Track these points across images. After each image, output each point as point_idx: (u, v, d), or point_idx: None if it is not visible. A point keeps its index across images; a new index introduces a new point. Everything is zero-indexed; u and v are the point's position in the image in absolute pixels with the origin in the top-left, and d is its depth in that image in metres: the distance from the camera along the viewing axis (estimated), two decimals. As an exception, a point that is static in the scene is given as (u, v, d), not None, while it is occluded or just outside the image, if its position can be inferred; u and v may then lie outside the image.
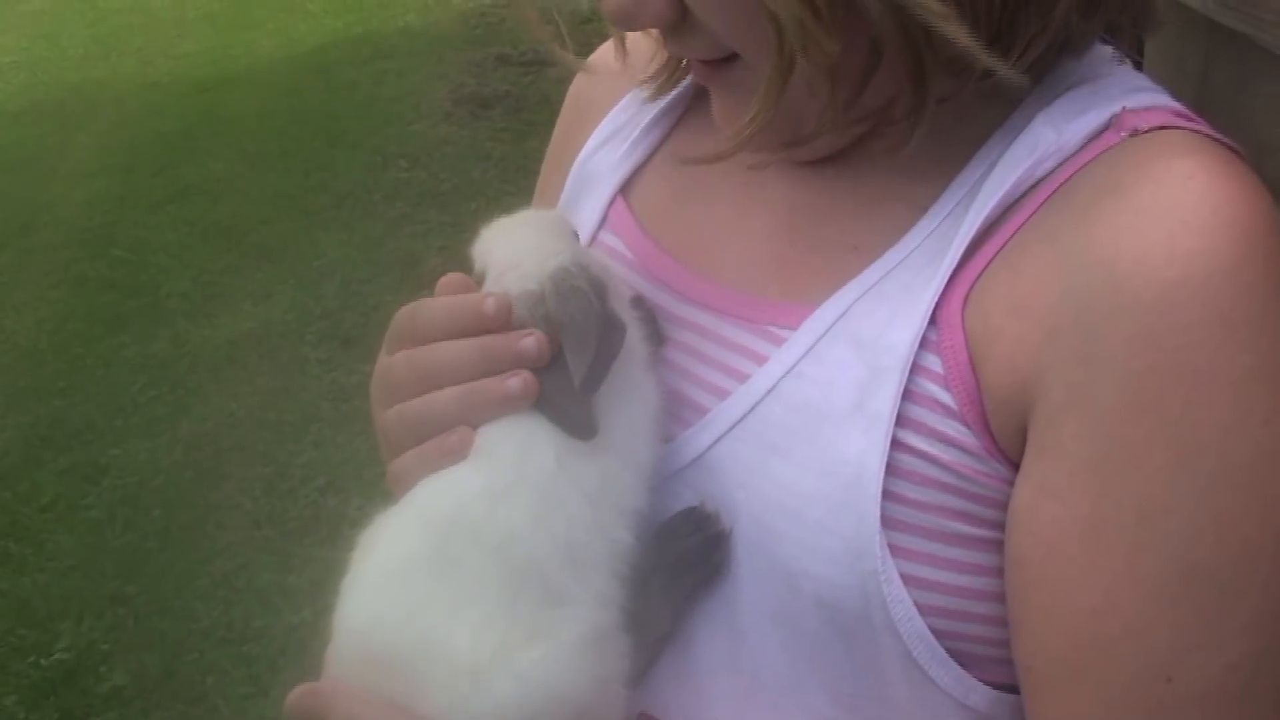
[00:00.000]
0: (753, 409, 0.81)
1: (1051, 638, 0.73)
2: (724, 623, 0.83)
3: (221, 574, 3.34)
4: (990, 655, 0.78)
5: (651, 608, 0.82)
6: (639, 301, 0.88)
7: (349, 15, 7.06)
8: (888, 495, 0.76)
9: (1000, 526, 0.75)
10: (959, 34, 0.71)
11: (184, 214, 5.17)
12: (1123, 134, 0.76)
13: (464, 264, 0.88)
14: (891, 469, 0.76)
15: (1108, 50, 0.83)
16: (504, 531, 0.78)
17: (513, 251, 0.85)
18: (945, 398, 0.76)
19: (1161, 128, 0.76)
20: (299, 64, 6.50)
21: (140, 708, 3.02)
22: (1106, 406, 0.71)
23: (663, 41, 0.86)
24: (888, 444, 0.76)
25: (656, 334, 0.87)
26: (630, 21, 0.81)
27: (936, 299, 0.77)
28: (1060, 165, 0.77)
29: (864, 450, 0.76)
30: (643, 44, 0.93)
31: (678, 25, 0.80)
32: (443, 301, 0.84)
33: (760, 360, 0.83)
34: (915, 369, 0.76)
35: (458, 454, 0.80)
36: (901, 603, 0.76)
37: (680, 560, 0.82)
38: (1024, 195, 0.77)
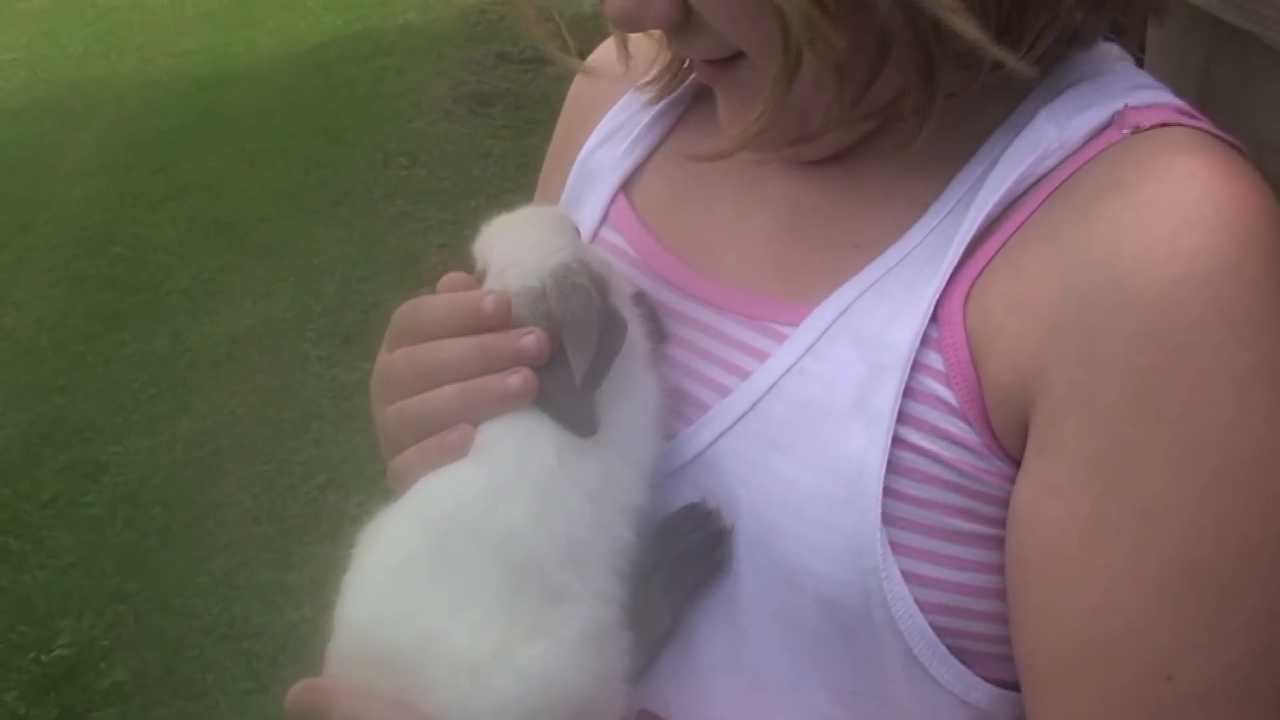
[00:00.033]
0: (754, 406, 0.81)
1: (1052, 636, 0.73)
2: (725, 620, 0.82)
3: (222, 571, 3.34)
4: (991, 652, 0.78)
5: (652, 605, 0.82)
6: (640, 298, 0.88)
7: (349, 12, 7.05)
8: (889, 492, 0.75)
9: (1001, 523, 0.75)
10: (968, 27, 0.71)
11: (184, 211, 5.16)
12: (1125, 131, 0.76)
13: (464, 261, 0.87)
14: (892, 466, 0.76)
15: (1111, 47, 0.83)
16: (504, 529, 0.78)
17: (513, 248, 0.85)
18: (946, 395, 0.76)
19: (1164, 125, 0.76)
20: (299, 61, 6.49)
21: (140, 704, 3.02)
22: (1108, 404, 0.70)
23: (666, 42, 0.85)
24: (889, 441, 0.75)
25: (658, 331, 0.87)
26: (634, 23, 0.80)
27: (938, 296, 0.77)
28: (1062, 162, 0.77)
29: (865, 447, 0.76)
30: (644, 45, 0.93)
31: (682, 26, 0.79)
32: (443, 299, 0.84)
33: (761, 357, 0.82)
34: (916, 366, 0.76)
35: (458, 451, 0.80)
36: (902, 600, 0.76)
37: (681, 557, 0.81)
38: (1026, 192, 0.77)
